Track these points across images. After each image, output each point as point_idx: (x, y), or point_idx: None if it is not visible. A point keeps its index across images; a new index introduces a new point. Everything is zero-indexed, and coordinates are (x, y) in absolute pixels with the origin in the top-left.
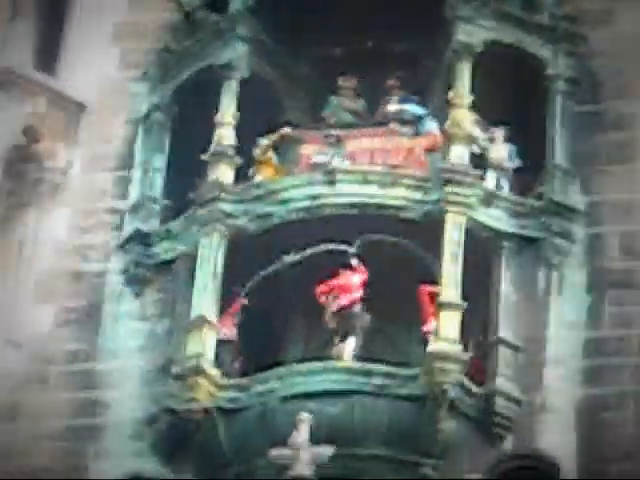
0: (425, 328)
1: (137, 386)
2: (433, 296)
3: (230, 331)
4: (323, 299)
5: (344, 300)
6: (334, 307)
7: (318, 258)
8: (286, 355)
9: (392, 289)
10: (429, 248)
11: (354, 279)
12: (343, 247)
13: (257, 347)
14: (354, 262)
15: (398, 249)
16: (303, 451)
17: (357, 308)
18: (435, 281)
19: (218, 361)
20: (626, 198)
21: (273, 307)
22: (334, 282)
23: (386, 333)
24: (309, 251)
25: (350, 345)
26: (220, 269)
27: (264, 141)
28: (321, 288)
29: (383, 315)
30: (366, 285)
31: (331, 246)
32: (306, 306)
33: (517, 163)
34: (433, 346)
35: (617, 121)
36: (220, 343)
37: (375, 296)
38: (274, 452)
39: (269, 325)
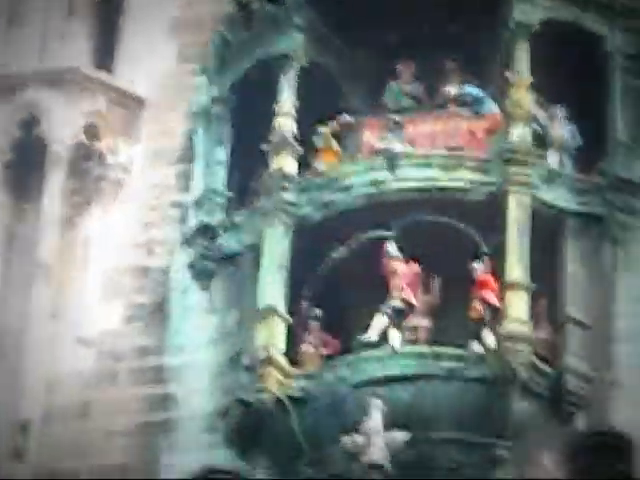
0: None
1: (208, 379)
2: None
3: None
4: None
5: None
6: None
7: (376, 244)
8: (354, 342)
9: (448, 271)
10: (494, 230)
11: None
12: (382, 233)
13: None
14: (392, 248)
15: (448, 229)
16: (376, 437)
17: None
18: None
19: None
20: None
21: (337, 296)
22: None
23: (453, 315)
24: (353, 245)
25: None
26: (286, 259)
27: (325, 129)
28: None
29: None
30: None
31: (371, 235)
32: (369, 294)
33: (578, 141)
34: (503, 327)
35: None
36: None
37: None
38: (347, 439)
39: (336, 311)
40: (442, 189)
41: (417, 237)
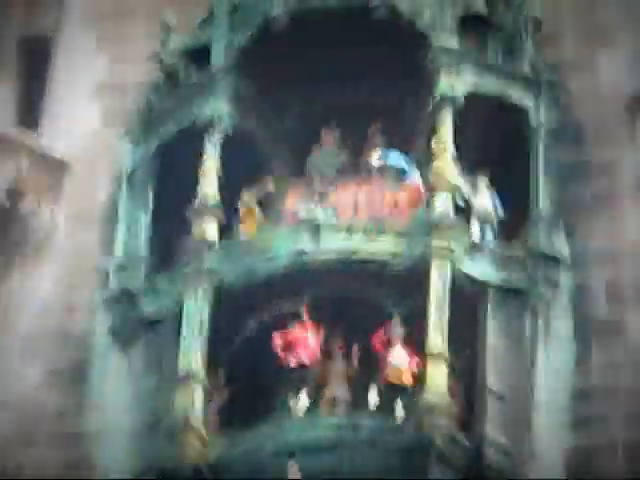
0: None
1: (126, 444)
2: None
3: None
4: (281, 354)
5: (302, 355)
6: (292, 362)
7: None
8: (274, 406)
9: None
10: (416, 299)
11: (306, 333)
12: (291, 307)
13: (248, 401)
14: (304, 317)
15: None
16: None
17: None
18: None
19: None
20: (611, 245)
21: (257, 366)
22: (288, 336)
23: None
24: (266, 317)
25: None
26: (206, 323)
27: (247, 195)
28: (277, 341)
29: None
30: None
31: (281, 308)
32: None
33: (501, 212)
34: (423, 398)
35: (601, 169)
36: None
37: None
38: None
39: (256, 377)
40: (363, 261)
41: (332, 306)
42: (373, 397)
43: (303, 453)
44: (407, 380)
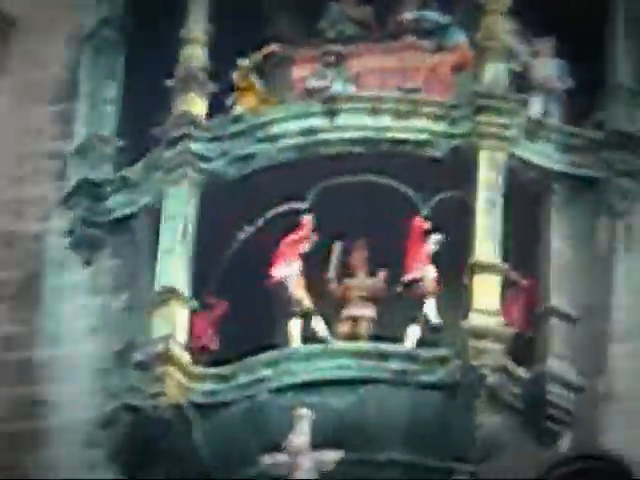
0: (407, 276)
1: (88, 379)
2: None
3: (210, 342)
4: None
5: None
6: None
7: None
8: (280, 336)
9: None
10: (458, 194)
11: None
12: (295, 205)
13: (243, 325)
14: (306, 219)
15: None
16: (302, 457)
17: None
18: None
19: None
20: None
21: (259, 277)
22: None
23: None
24: (260, 221)
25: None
26: (192, 226)
27: (245, 62)
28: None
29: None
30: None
31: (282, 208)
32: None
33: (569, 83)
34: (468, 319)
35: None
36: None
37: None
38: (266, 459)
39: (256, 298)
40: (393, 141)
41: (344, 205)
42: (414, 331)
43: (313, 390)
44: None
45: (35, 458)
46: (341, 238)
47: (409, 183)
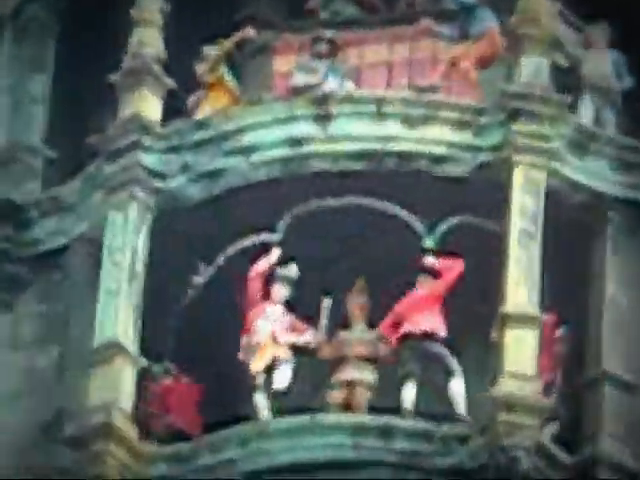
0: (408, 327)
1: (8, 457)
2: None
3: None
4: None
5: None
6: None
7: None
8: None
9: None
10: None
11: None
12: (262, 236)
13: (208, 392)
14: (274, 255)
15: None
16: None
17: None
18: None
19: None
20: None
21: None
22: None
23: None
24: (221, 261)
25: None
26: (141, 262)
27: (212, 51)
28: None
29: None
30: None
31: (247, 242)
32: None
33: (628, 82)
34: (497, 386)
35: None
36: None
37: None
38: None
39: (226, 356)
40: (404, 155)
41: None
42: (409, 391)
43: (297, 476)
44: None
45: None
46: (331, 289)
47: (421, 210)
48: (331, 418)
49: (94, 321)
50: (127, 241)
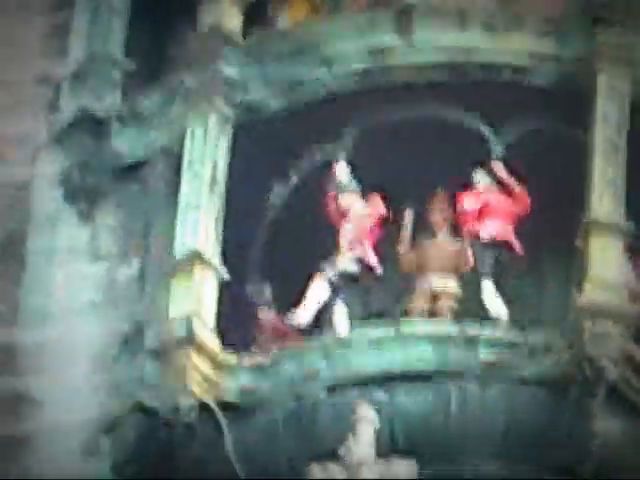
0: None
1: (86, 368)
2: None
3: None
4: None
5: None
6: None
7: None
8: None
9: None
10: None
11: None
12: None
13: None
14: (343, 174)
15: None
16: (365, 467)
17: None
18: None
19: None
20: None
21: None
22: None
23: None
24: (295, 178)
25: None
26: (223, 173)
27: None
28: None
29: None
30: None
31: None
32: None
33: None
34: (583, 294)
35: None
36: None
37: None
38: (316, 471)
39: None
40: (487, 65)
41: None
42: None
43: (380, 386)
44: None
45: (20, 468)
46: (412, 199)
47: (505, 122)
48: (415, 328)
49: (174, 233)
50: (207, 153)
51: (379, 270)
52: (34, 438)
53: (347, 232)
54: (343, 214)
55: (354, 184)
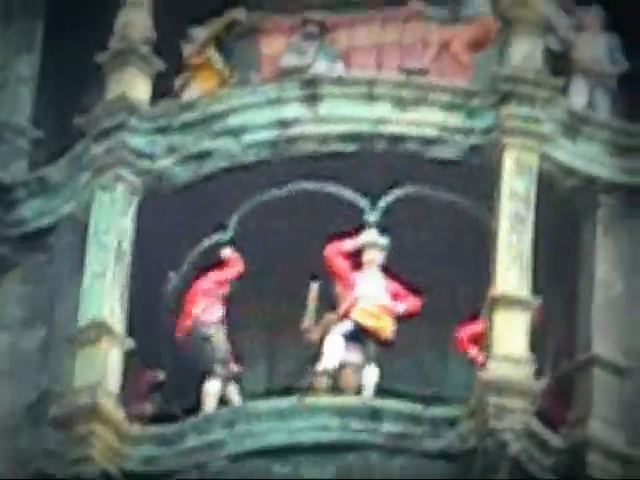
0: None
1: None
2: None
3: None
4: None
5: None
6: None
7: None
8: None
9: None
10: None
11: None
12: (215, 237)
13: (191, 375)
14: (225, 253)
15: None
16: None
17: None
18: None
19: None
20: None
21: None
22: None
23: (404, 347)
24: (185, 267)
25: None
26: (128, 244)
27: (200, 33)
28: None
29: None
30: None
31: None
32: (267, 313)
33: (622, 66)
34: (487, 369)
35: None
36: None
37: None
38: None
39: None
40: (395, 138)
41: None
42: (371, 373)
43: (283, 458)
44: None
45: None
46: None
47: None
48: (318, 400)
49: (79, 302)
50: (114, 222)
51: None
52: None
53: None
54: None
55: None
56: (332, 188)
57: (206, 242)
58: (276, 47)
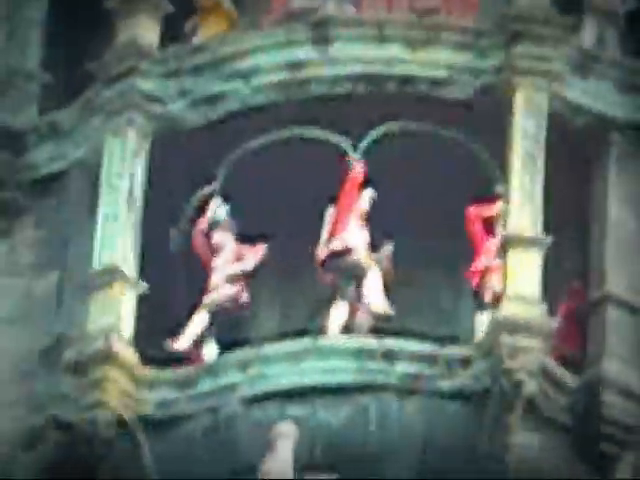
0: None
1: (5, 384)
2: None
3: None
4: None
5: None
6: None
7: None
8: (253, 331)
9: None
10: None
11: None
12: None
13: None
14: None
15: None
16: None
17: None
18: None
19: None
20: None
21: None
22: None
23: (419, 288)
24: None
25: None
26: (140, 188)
27: None
28: None
29: (413, 260)
30: None
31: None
32: (281, 257)
33: (631, 3)
34: (500, 308)
35: None
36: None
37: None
38: None
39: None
40: (405, 79)
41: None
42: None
43: (298, 400)
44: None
45: None
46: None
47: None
48: (332, 341)
49: (92, 247)
50: (125, 166)
51: (248, 307)
52: None
53: (219, 269)
54: (215, 250)
55: (230, 222)
56: (317, 133)
57: (199, 194)
58: None
